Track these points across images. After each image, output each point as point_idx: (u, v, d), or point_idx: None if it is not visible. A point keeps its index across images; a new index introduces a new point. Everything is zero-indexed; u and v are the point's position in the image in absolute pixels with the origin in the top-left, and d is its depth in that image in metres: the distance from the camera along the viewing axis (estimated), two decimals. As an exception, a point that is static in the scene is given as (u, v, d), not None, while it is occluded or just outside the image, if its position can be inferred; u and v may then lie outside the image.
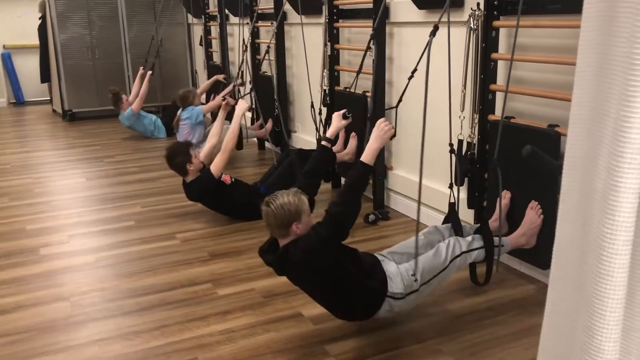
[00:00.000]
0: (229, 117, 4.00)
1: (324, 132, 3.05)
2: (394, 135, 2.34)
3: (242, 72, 5.27)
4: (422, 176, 3.44)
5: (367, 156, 2.23)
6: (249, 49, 4.88)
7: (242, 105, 3.82)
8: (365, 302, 2.21)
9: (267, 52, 4.42)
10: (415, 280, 2.23)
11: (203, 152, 3.82)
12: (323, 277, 2.13)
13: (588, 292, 0.85)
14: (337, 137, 2.89)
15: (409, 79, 2.18)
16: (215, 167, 3.56)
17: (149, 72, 6.24)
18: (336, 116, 2.68)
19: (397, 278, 2.22)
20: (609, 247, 0.81)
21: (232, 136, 3.72)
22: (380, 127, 2.27)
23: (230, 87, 5.33)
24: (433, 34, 2.04)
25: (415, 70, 2.16)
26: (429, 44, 1.98)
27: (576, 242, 0.91)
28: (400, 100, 2.32)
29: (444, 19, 2.37)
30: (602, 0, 0.80)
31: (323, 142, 2.60)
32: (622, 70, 0.78)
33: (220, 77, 5.84)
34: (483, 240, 2.45)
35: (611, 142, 0.79)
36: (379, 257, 2.33)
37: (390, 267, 2.26)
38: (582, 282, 0.89)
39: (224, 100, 4.27)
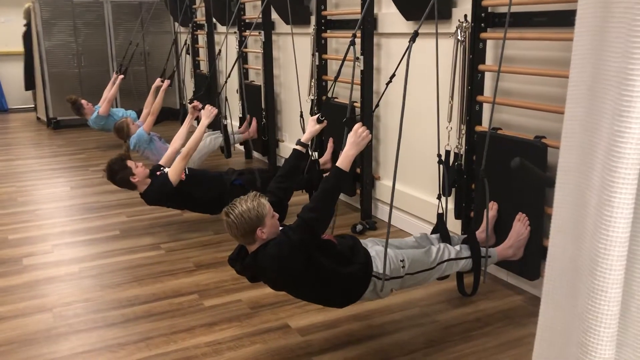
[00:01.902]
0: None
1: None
2: (370, 141, 2.31)
3: (174, 72, 5.35)
4: (409, 187, 3.44)
5: (342, 162, 2.19)
6: (221, 55, 4.83)
7: (210, 111, 3.65)
8: (350, 287, 2.19)
9: (239, 58, 4.40)
10: (403, 267, 2.23)
11: (165, 156, 3.68)
12: (299, 278, 2.10)
13: (582, 308, 0.84)
14: (312, 142, 2.83)
15: (387, 84, 2.17)
16: (173, 173, 3.37)
17: (120, 76, 6.13)
18: (311, 120, 2.64)
19: (383, 257, 2.21)
20: (603, 262, 0.81)
21: (194, 142, 3.54)
22: (357, 133, 2.23)
23: (165, 85, 5.23)
24: (412, 39, 2.04)
25: (393, 75, 2.15)
26: (408, 48, 1.98)
27: (569, 256, 0.91)
28: (377, 105, 2.32)
29: (432, 30, 2.38)
30: (595, 16, 0.80)
31: (297, 147, 2.56)
32: (615, 85, 0.78)
33: (158, 81, 5.54)
34: (470, 250, 2.46)
35: (605, 156, 0.79)
36: (362, 241, 2.33)
37: (375, 248, 2.27)
38: (575, 297, 0.88)
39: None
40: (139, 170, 3.37)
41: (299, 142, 2.57)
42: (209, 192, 3.51)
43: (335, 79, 2.48)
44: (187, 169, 3.51)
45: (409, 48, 1.99)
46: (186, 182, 3.46)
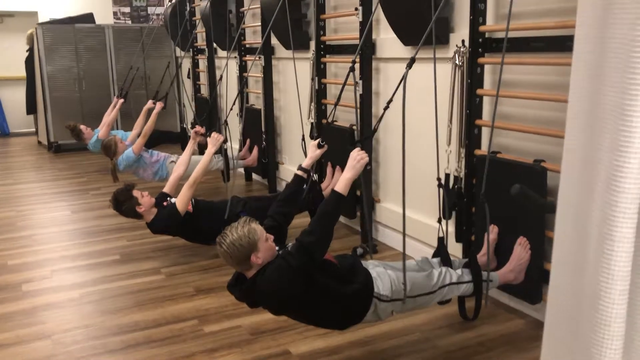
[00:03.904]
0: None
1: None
2: (369, 164, 2.31)
3: (167, 94, 5.42)
4: (410, 209, 3.44)
5: (340, 185, 2.18)
6: (223, 81, 4.87)
7: (217, 139, 3.61)
8: (351, 307, 2.18)
9: (244, 84, 4.43)
10: (404, 289, 2.21)
11: (168, 183, 3.66)
12: (299, 301, 2.09)
13: (585, 342, 0.84)
14: (314, 167, 2.85)
15: (385, 108, 2.19)
16: (181, 203, 3.35)
17: (121, 100, 6.16)
18: (311, 146, 2.66)
19: (385, 278, 2.21)
20: (606, 296, 0.81)
21: (201, 171, 3.51)
22: (353, 157, 2.22)
23: (158, 108, 5.25)
24: (409, 66, 2.06)
25: (391, 100, 2.17)
26: (404, 76, 2.00)
27: (571, 288, 0.91)
28: (375, 129, 2.33)
29: (430, 55, 2.41)
30: (592, 52, 0.81)
31: (298, 172, 2.57)
32: (613, 120, 0.79)
33: (150, 103, 5.55)
34: (472, 274, 2.45)
35: (604, 190, 0.80)
36: (363, 262, 2.32)
37: (377, 269, 2.26)
38: (578, 330, 0.88)
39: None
40: (145, 200, 3.36)
41: (300, 168, 2.58)
42: (218, 223, 3.49)
43: (336, 105, 2.50)
44: (193, 199, 3.49)
45: (405, 75, 2.00)
46: (194, 213, 3.44)
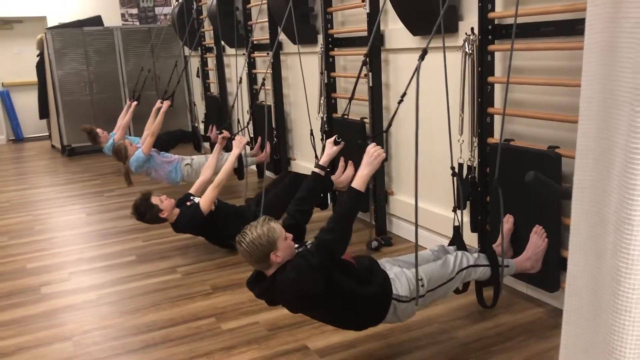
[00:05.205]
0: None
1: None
2: (385, 159, 2.31)
3: (174, 93, 5.49)
4: (423, 201, 3.42)
5: (357, 182, 2.18)
6: (244, 79, 4.88)
7: (240, 141, 3.74)
8: (370, 309, 2.17)
9: (263, 83, 4.44)
10: (422, 285, 2.20)
11: (195, 185, 3.75)
12: (318, 300, 2.09)
13: (605, 328, 0.82)
14: (331, 164, 2.87)
15: (399, 102, 2.17)
16: (204, 203, 3.43)
17: (134, 102, 6.20)
18: (328, 143, 2.66)
19: (402, 279, 2.20)
20: (626, 281, 0.79)
21: (226, 173, 3.60)
22: (369, 153, 2.23)
23: (165, 106, 5.28)
24: (422, 57, 2.03)
25: (404, 94, 2.15)
26: (417, 68, 1.98)
27: (590, 275, 0.89)
28: (390, 125, 2.32)
29: (439, 44, 2.38)
30: (604, 31, 0.79)
31: (315, 169, 2.57)
32: (628, 102, 0.77)
33: (158, 103, 5.56)
34: (488, 259, 2.43)
35: (621, 174, 0.78)
36: (377, 260, 2.31)
37: (394, 269, 2.25)
38: (598, 316, 0.86)
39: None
40: (165, 204, 3.42)
41: (317, 165, 2.59)
42: (240, 228, 3.52)
43: (351, 99, 2.49)
44: (216, 200, 3.56)
45: (418, 67, 1.98)
46: (216, 214, 3.50)
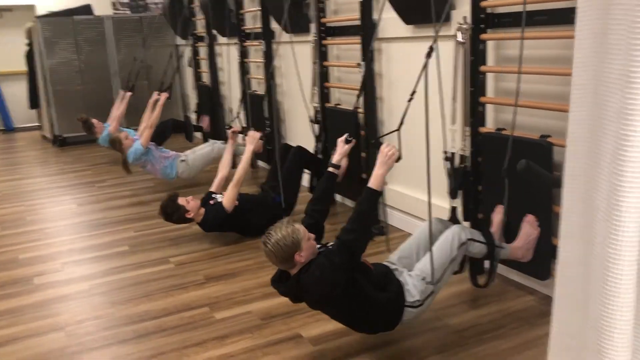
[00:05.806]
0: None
1: (328, 154, 3.07)
2: (399, 158, 2.35)
3: (171, 84, 5.47)
4: (417, 190, 3.43)
5: (373, 182, 2.26)
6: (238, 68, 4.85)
7: (253, 137, 3.85)
8: (385, 315, 2.22)
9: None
10: (428, 282, 2.25)
11: (214, 184, 3.86)
12: (340, 300, 2.14)
13: (595, 314, 0.83)
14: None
15: (409, 101, 2.20)
16: (227, 201, 3.56)
17: (129, 93, 6.16)
18: (339, 142, 2.75)
19: (413, 283, 2.25)
20: (614, 267, 0.80)
21: (243, 170, 3.69)
22: (384, 153, 2.31)
23: (163, 98, 5.26)
24: (429, 55, 2.04)
25: (414, 92, 2.18)
26: (425, 65, 1.98)
27: (580, 262, 0.90)
28: (401, 123, 2.33)
29: (432, 32, 2.38)
30: (596, 18, 0.79)
31: (330, 169, 2.64)
32: (619, 88, 0.77)
33: (155, 95, 5.52)
34: (484, 237, 2.45)
35: (612, 160, 0.78)
36: (391, 266, 2.34)
37: (405, 277, 2.28)
38: (587, 302, 0.87)
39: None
40: (192, 205, 3.51)
41: (331, 164, 2.66)
42: (266, 215, 3.58)
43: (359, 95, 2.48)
44: (238, 195, 3.64)
45: (425, 64, 1.98)
46: (240, 208, 3.61)
